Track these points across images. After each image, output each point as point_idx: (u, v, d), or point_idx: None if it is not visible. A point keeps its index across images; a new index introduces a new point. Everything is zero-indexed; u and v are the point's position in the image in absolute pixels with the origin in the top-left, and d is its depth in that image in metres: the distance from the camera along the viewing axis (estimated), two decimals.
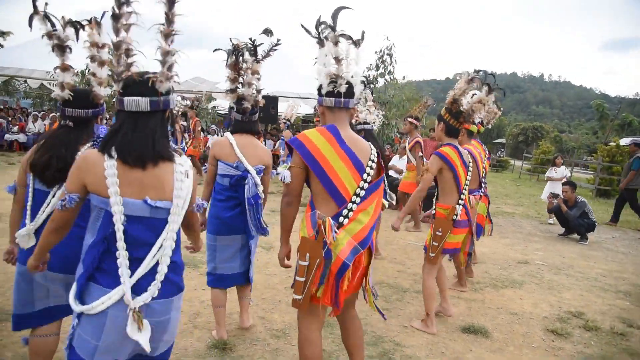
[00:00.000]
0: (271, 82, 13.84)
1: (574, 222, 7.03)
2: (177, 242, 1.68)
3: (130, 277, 1.54)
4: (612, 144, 15.24)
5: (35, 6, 1.98)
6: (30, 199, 2.03)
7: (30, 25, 2.00)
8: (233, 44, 2.94)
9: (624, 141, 20.52)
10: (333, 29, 2.12)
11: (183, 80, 14.06)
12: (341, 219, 2.09)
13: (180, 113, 9.88)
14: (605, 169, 14.32)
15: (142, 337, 1.54)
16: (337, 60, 2.14)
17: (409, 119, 6.70)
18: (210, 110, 18.55)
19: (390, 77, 13.59)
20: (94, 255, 1.55)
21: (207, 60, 17.29)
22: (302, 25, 2.21)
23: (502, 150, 42.89)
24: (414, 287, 4.39)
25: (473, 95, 3.51)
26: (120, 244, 1.53)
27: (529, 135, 46.59)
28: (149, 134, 1.57)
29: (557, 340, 3.47)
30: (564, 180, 8.49)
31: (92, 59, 1.98)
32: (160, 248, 1.59)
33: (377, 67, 13.37)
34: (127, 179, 1.54)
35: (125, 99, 1.56)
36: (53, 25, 2.01)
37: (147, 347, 1.54)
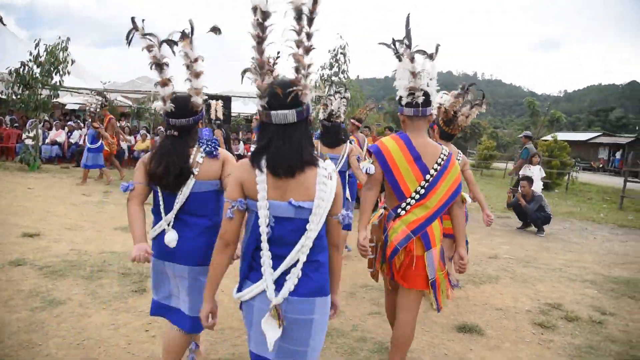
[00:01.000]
0: (224, 82, 13.45)
1: (532, 216, 7.40)
2: (323, 242, 1.75)
3: (273, 273, 1.67)
4: (550, 138, 16.29)
5: (134, 23, 2.14)
6: (161, 200, 2.24)
7: (127, 39, 2.18)
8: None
9: (562, 136, 22.09)
10: (409, 46, 2.40)
11: (128, 80, 13.29)
12: (399, 210, 2.48)
13: (95, 113, 9.43)
14: (545, 163, 15.26)
15: (271, 334, 1.62)
16: (414, 74, 2.41)
17: (352, 120, 7.41)
18: (153, 112, 17.68)
19: (344, 76, 13.66)
20: (249, 252, 1.73)
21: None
22: (392, 40, 2.46)
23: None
24: None
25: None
26: (264, 244, 1.67)
27: (468, 132, 48.81)
28: (297, 145, 1.66)
29: (546, 333, 3.59)
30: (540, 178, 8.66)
31: (188, 68, 2.20)
32: (301, 246, 1.67)
33: (331, 66, 13.40)
34: (274, 184, 1.67)
35: (273, 112, 1.64)
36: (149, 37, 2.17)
37: (270, 346, 1.64)
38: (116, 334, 3.13)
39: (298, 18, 1.59)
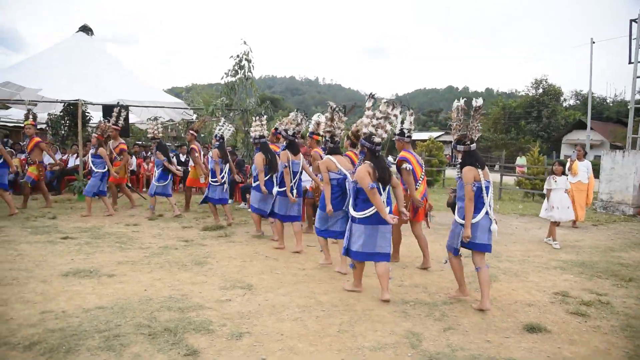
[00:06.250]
0: (120, 92, 11.77)
1: None
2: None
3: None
4: (428, 139, 18.27)
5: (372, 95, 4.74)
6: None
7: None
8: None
9: (418, 135, 24.84)
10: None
11: None
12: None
13: None
14: (426, 162, 17.04)
15: (494, 228, 4.28)
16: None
17: (191, 131, 9.03)
18: None
19: (248, 84, 13.16)
20: (480, 204, 4.20)
21: (20, 63, 13.52)
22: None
23: None
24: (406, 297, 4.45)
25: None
26: (486, 199, 4.19)
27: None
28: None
29: (588, 320, 4.01)
30: (565, 190, 7.55)
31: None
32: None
33: (236, 73, 12.81)
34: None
35: (467, 147, 4.28)
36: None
37: (495, 233, 4.30)
38: None
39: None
